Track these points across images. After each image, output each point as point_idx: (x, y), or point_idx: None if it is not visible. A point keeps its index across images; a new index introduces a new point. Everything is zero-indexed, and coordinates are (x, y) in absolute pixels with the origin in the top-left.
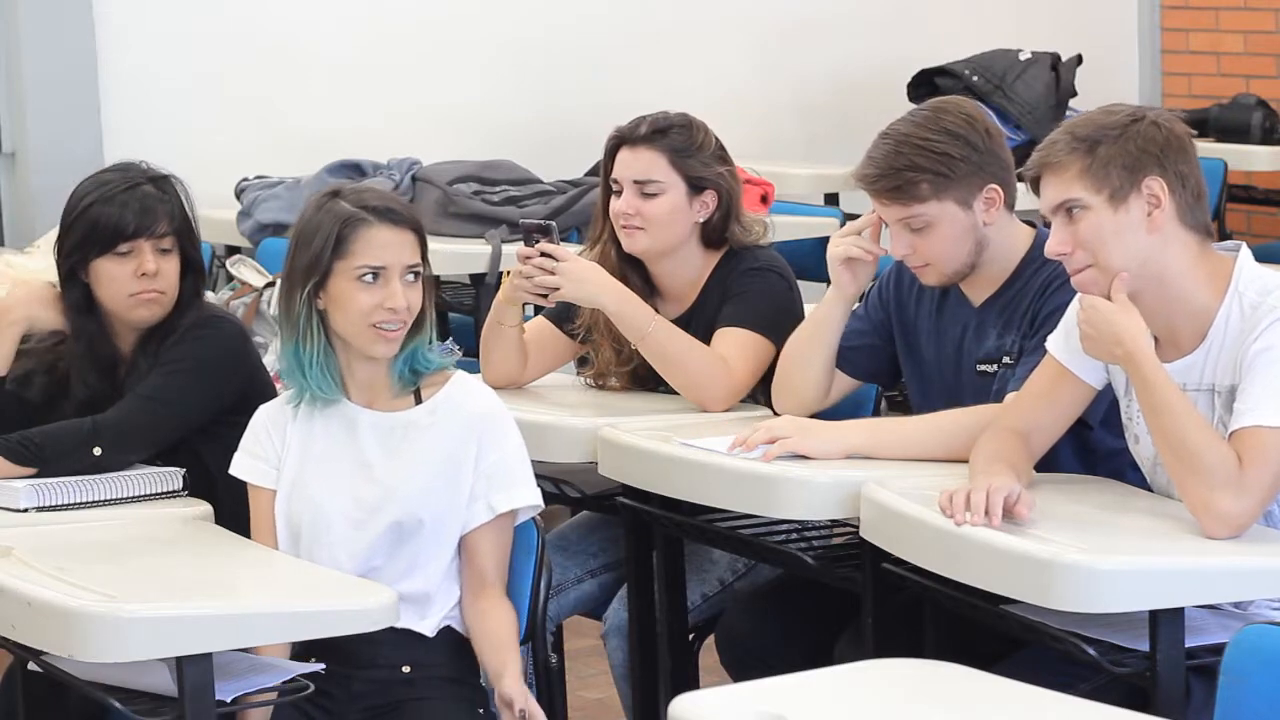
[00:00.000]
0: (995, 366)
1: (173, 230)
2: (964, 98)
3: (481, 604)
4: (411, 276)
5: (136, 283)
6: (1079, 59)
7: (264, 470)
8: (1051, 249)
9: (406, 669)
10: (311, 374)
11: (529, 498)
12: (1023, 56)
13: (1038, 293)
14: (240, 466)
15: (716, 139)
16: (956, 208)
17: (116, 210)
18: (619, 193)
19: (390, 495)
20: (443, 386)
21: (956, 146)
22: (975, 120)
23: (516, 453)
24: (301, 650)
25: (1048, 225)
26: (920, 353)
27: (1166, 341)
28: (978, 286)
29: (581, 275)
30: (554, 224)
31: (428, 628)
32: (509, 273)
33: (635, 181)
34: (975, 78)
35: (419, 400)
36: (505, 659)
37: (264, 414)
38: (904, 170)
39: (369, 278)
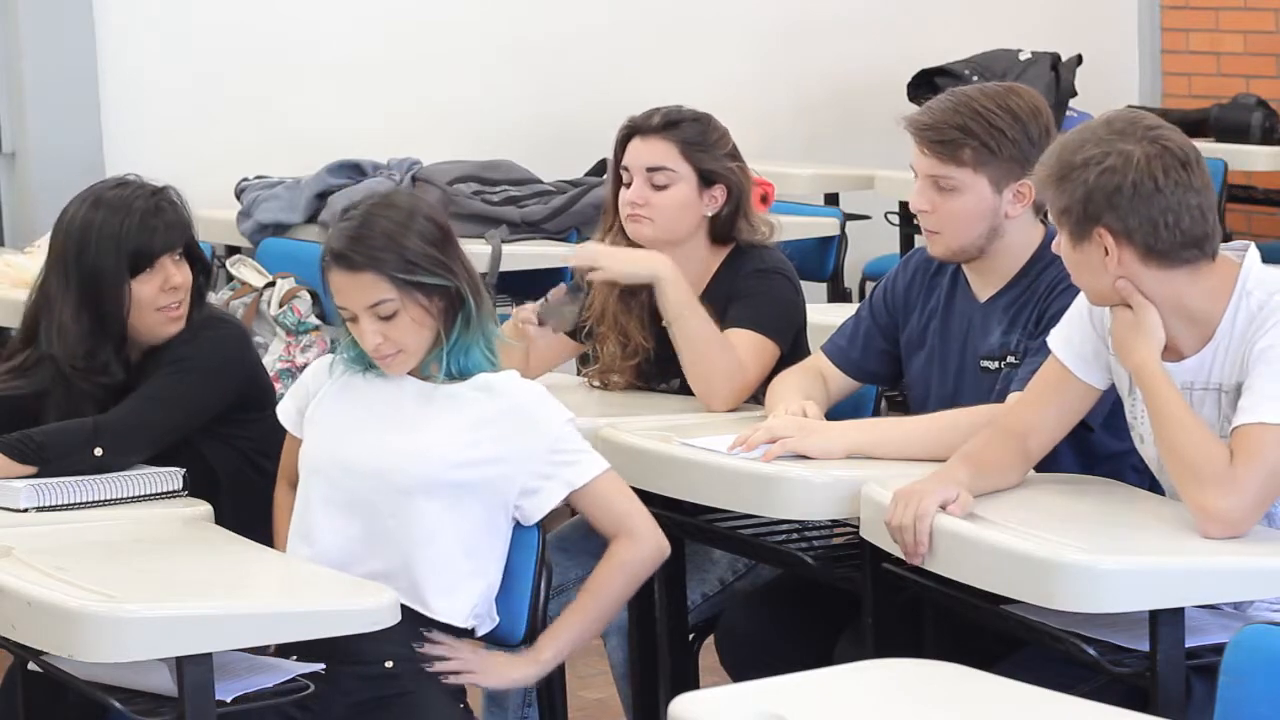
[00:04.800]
0: (998, 364)
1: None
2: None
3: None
4: (384, 314)
5: (164, 296)
6: (1079, 59)
7: (293, 415)
8: (1054, 249)
9: (389, 664)
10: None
11: (596, 466)
12: (1023, 56)
13: (1044, 293)
14: (281, 408)
15: (729, 135)
16: (988, 186)
17: (145, 233)
18: (629, 183)
19: (418, 455)
20: (492, 374)
21: (1013, 129)
22: (1040, 114)
23: (570, 428)
24: (282, 647)
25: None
26: (925, 348)
27: (1171, 343)
28: (985, 281)
29: (625, 253)
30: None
31: (439, 611)
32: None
33: (647, 169)
34: (975, 78)
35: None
36: (557, 624)
37: (320, 363)
38: (955, 129)
39: (350, 318)
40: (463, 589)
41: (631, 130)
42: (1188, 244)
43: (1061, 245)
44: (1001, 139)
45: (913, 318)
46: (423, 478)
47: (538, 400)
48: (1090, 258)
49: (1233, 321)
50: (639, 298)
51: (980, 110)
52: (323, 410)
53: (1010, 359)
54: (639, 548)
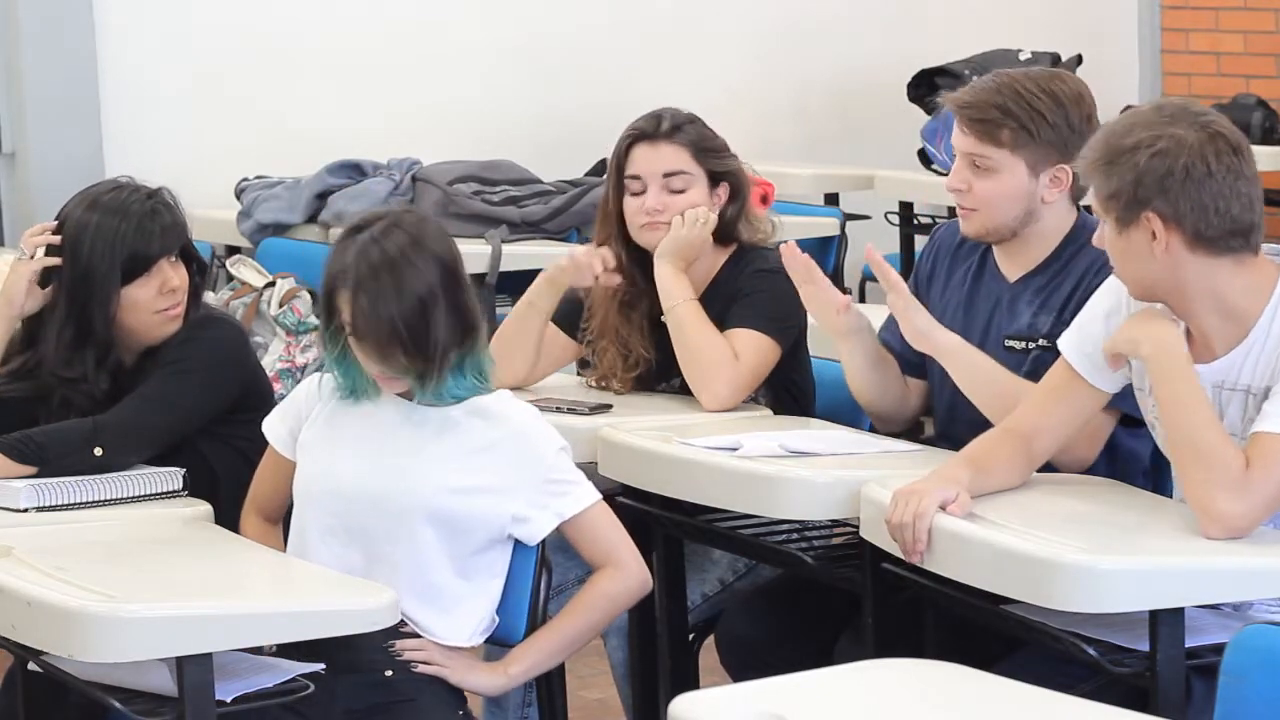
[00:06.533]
0: (1025, 344)
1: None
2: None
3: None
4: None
5: (162, 299)
6: (1079, 59)
7: (284, 437)
8: (1096, 242)
9: (389, 673)
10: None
11: (588, 497)
12: (1023, 56)
13: (1081, 275)
14: (267, 423)
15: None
16: (1025, 169)
17: (142, 237)
18: (638, 192)
19: (415, 481)
20: (485, 396)
21: (1054, 113)
22: (1083, 102)
23: (563, 456)
24: (284, 652)
25: (1089, 210)
26: (946, 322)
27: (1201, 341)
28: (1015, 262)
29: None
30: None
31: (441, 635)
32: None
33: (664, 175)
34: (975, 78)
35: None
36: (530, 642)
37: (310, 382)
38: (995, 109)
39: None
40: (463, 610)
41: (638, 137)
42: (1236, 232)
43: (1106, 234)
44: (1041, 122)
45: (935, 293)
46: (419, 504)
47: (533, 427)
48: (1136, 244)
49: (1270, 323)
50: (639, 309)
51: (1022, 92)
52: (316, 434)
53: (1042, 341)
54: (624, 580)
